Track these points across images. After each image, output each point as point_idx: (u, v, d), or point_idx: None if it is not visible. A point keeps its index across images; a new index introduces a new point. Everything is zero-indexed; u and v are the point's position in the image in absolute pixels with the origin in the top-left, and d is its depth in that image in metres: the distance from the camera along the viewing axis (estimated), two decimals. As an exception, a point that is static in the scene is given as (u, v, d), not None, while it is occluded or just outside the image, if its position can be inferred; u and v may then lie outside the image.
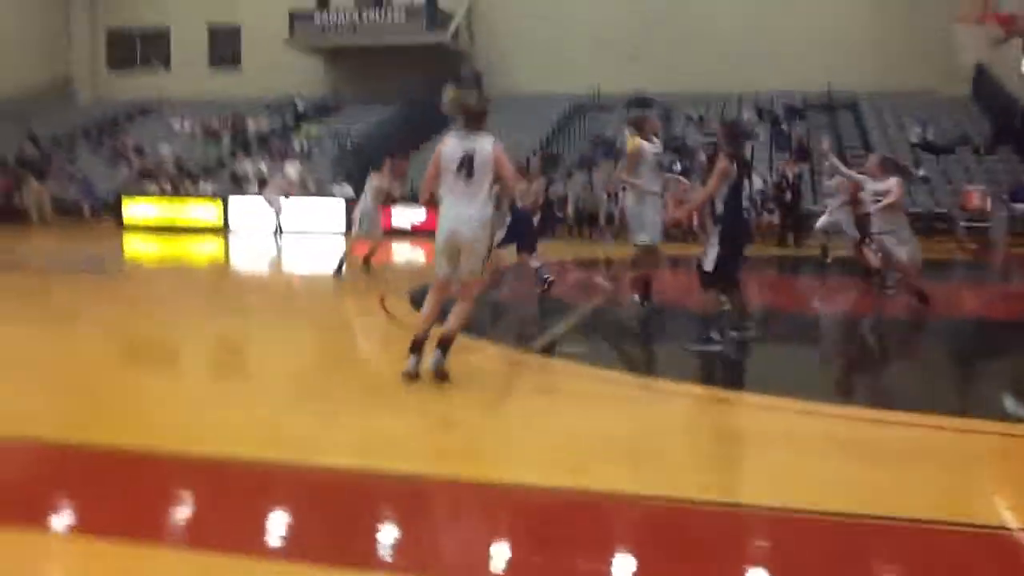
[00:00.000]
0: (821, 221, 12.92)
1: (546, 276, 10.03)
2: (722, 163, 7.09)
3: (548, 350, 7.20)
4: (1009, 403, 5.78)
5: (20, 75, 32.46)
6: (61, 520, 3.61)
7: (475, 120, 5.75)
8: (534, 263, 10.25)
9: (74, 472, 4.21)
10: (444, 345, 5.59)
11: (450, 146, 5.67)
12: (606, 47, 28.78)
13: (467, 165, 5.57)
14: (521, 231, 10.28)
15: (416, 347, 5.62)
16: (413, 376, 5.57)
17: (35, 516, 3.53)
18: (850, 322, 9.91)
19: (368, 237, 12.30)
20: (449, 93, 5.75)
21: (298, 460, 4.23)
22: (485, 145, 5.62)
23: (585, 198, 21.89)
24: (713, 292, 7.19)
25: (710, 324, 7.14)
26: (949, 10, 24.40)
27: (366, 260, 12.23)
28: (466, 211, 5.55)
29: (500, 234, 9.65)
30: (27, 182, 24.72)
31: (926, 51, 26.26)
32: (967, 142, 23.76)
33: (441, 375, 5.53)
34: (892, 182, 9.47)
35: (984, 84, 26.35)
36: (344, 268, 12.09)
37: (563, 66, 29.09)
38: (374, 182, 12.31)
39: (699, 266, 7.19)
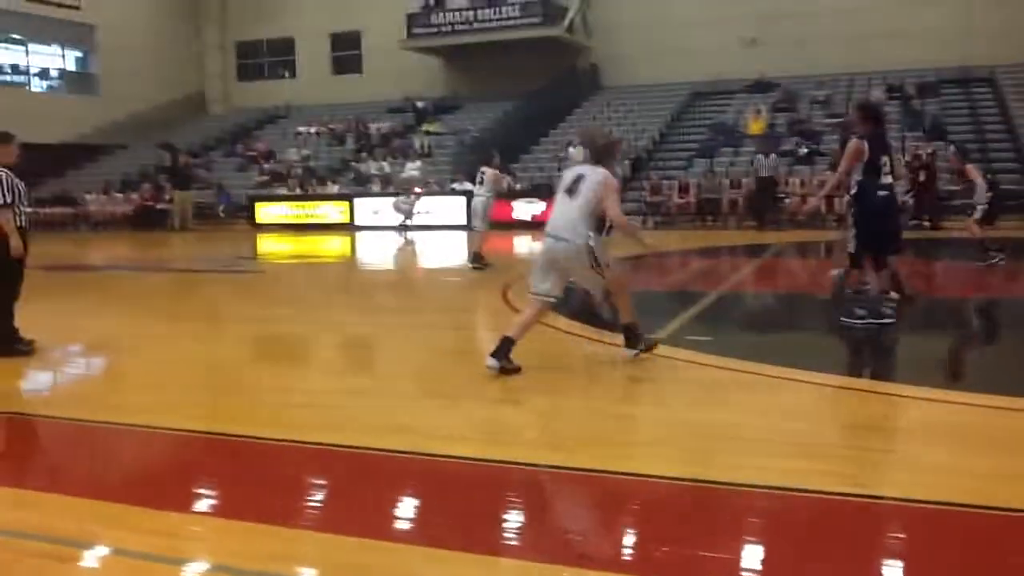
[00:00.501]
0: None
1: None
2: (853, 144, 7.08)
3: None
4: None
5: (157, 90, 34.34)
6: (209, 503, 3.83)
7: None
8: None
9: (219, 460, 4.46)
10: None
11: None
12: (724, 31, 28.19)
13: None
14: None
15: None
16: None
17: (188, 501, 3.76)
18: (992, 307, 9.44)
19: (484, 229, 12.79)
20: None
21: (418, 448, 4.35)
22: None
23: (707, 185, 21.53)
24: (859, 273, 7.40)
25: (857, 303, 7.31)
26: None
27: (478, 253, 12.58)
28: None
29: None
30: (170, 191, 26.09)
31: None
32: (1119, 113, 22.20)
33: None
34: None
35: None
36: (478, 257, 12.55)
37: (681, 53, 28.65)
38: (487, 175, 12.72)
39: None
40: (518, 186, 18.43)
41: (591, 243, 5.84)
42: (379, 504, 3.70)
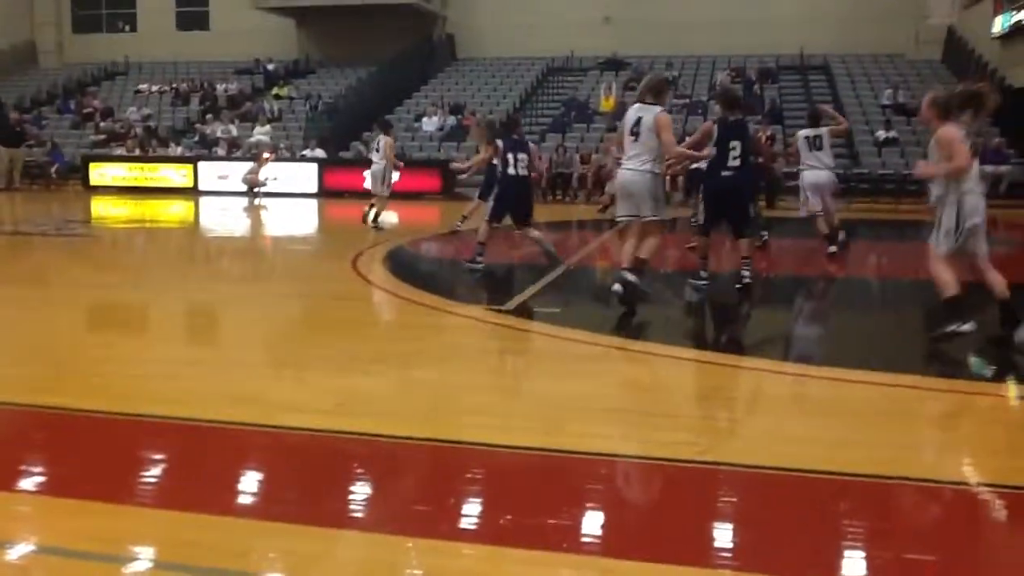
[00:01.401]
0: None
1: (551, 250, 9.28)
2: (705, 124, 7.92)
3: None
4: (975, 362, 5.87)
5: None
6: (32, 481, 3.61)
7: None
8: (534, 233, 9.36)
9: (42, 434, 4.19)
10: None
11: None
12: (580, 9, 28.59)
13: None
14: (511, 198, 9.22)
15: None
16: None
17: (12, 478, 3.52)
18: (812, 283, 9.99)
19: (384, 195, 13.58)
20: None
21: (269, 421, 4.23)
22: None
23: (558, 160, 21.82)
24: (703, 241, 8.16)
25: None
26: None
27: (375, 218, 13.24)
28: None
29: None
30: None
31: (897, 14, 26.39)
32: (938, 104, 23.89)
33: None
34: None
35: (954, 46, 26.48)
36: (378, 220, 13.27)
37: (536, 29, 28.88)
38: (383, 143, 13.53)
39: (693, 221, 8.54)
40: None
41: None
42: (218, 478, 3.57)
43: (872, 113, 23.79)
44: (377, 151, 13.65)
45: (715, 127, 7.69)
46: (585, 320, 6.73)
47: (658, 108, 6.74)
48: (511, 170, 8.97)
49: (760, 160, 12.13)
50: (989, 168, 20.03)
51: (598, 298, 8.14)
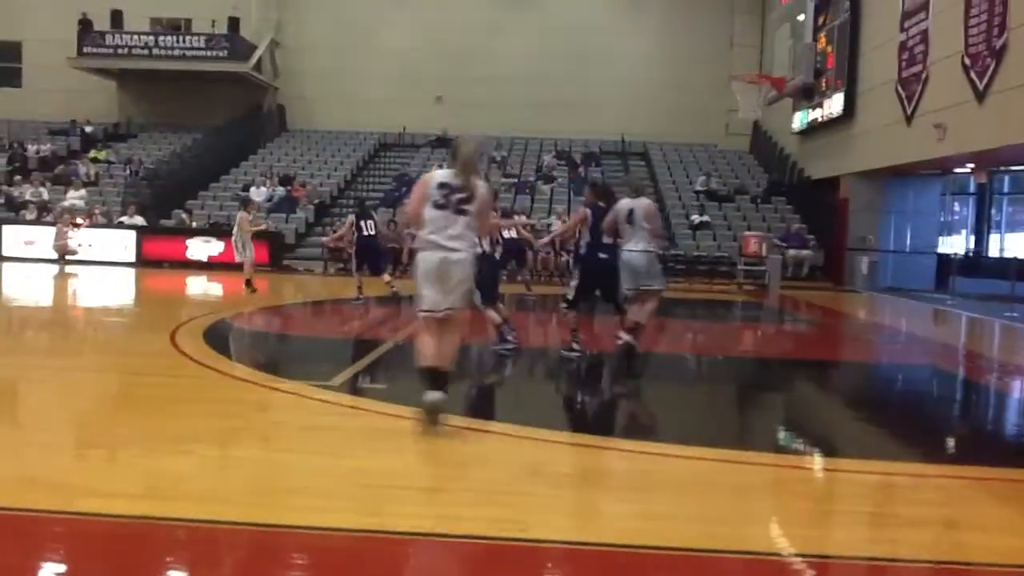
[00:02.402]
0: None
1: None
2: (580, 211, 9.07)
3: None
4: (783, 436, 6.25)
5: None
6: None
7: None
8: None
9: None
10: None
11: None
12: (412, 86, 29.14)
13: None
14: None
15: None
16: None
17: None
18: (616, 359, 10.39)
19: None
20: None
21: (68, 507, 3.96)
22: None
23: (388, 235, 21.82)
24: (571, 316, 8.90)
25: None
26: (731, 70, 26.57)
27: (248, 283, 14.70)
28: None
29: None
30: None
31: (709, 108, 28.40)
32: (745, 192, 25.67)
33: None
34: None
35: (760, 139, 28.69)
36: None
37: (369, 103, 29.19)
38: (242, 216, 15.23)
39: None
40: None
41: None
42: (15, 572, 3.30)
43: (687, 198, 25.26)
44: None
45: (588, 213, 8.71)
46: (412, 396, 6.71)
47: (645, 201, 8.72)
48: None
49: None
50: (791, 252, 21.63)
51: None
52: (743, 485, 4.86)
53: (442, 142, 28.38)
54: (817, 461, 5.64)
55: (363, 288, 13.82)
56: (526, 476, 4.77)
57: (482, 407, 6.78)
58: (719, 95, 27.66)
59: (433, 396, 5.42)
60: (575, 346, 8.72)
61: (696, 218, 23.73)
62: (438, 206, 5.56)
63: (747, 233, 21.89)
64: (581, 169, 26.48)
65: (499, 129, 28.45)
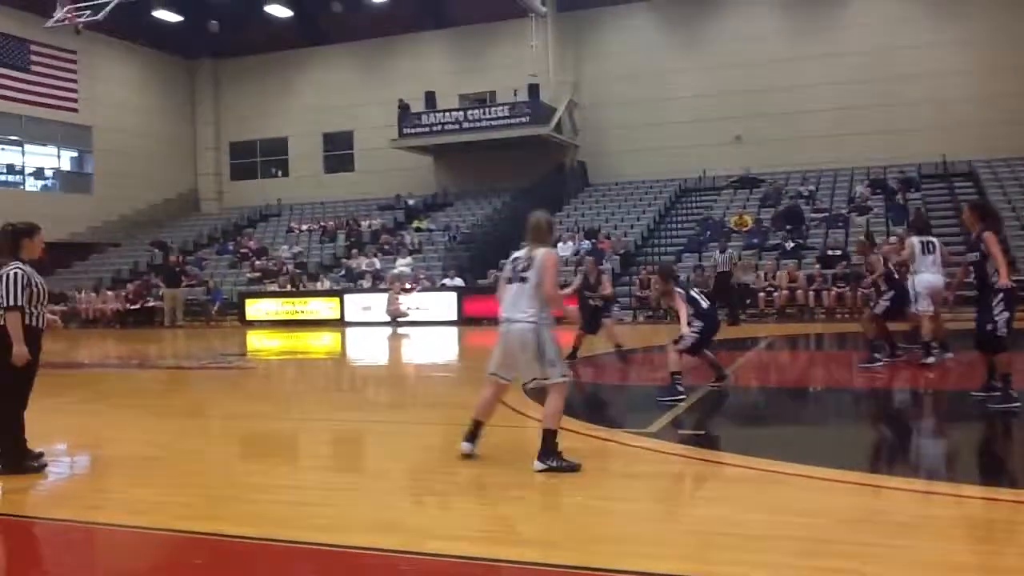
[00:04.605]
0: None
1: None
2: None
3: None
4: None
5: (150, 190, 34.85)
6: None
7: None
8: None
9: (202, 561, 4.32)
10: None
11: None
12: (710, 130, 28.89)
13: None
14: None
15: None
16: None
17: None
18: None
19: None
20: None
21: (416, 548, 4.24)
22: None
23: (695, 279, 21.62)
24: None
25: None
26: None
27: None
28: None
29: None
30: (159, 288, 26.18)
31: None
32: (1097, 205, 22.64)
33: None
34: None
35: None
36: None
37: (667, 151, 29.32)
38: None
39: None
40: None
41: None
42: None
43: (1025, 216, 22.72)
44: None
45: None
46: (730, 442, 6.52)
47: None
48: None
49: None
50: None
51: (750, 419, 7.88)
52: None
53: (744, 182, 27.83)
54: None
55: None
56: (856, 523, 4.44)
57: (805, 452, 6.43)
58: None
59: (463, 447, 6.06)
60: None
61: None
62: (508, 280, 5.85)
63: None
64: (899, 196, 24.70)
65: (803, 163, 27.39)
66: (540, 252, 5.79)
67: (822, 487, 5.23)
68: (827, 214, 24.50)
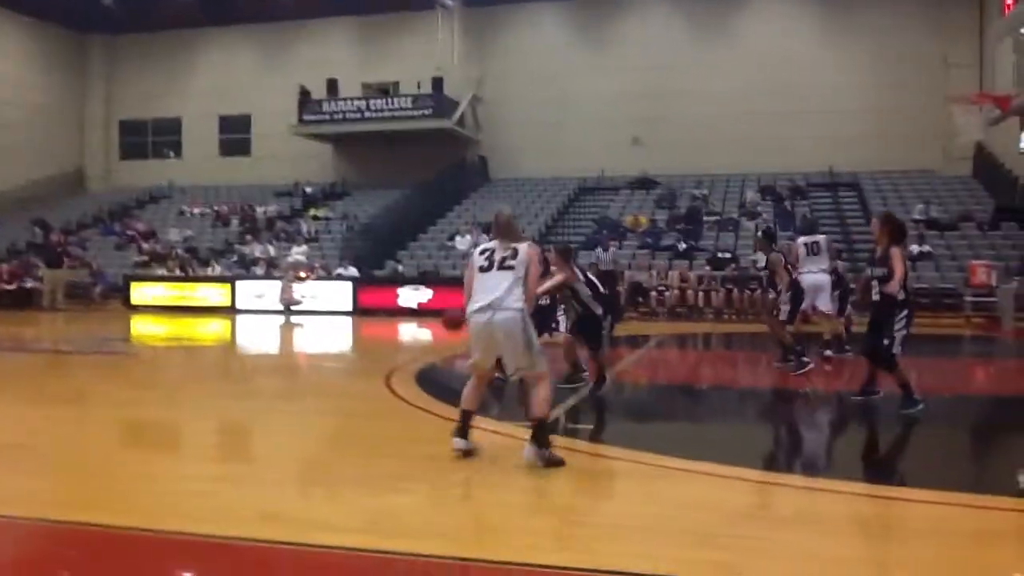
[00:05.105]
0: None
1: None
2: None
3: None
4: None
5: (34, 166, 33.23)
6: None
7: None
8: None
9: (76, 551, 4.15)
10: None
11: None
12: (610, 131, 29.32)
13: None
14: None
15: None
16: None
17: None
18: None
19: None
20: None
21: (301, 539, 4.17)
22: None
23: (593, 272, 21.87)
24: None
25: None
26: (946, 92, 24.95)
27: None
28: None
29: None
30: (39, 268, 25.01)
31: (925, 133, 26.76)
32: (970, 218, 23.90)
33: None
34: None
35: (983, 162, 26.67)
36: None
37: (567, 150, 29.62)
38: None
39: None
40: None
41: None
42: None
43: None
44: None
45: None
46: (622, 438, 6.63)
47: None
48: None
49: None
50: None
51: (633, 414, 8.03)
52: (984, 532, 4.45)
53: (642, 183, 28.35)
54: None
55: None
56: (740, 517, 4.58)
57: (692, 447, 6.59)
58: (934, 119, 25.97)
59: (456, 443, 5.78)
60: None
61: (916, 248, 22.29)
62: (484, 269, 5.72)
63: (974, 262, 20.33)
64: (787, 203, 25.60)
65: (699, 167, 28.07)
66: (524, 246, 5.77)
67: (708, 481, 5.36)
68: (719, 218, 25.19)
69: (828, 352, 11.05)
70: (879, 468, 6.32)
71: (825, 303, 11.05)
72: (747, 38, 29.12)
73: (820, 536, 4.35)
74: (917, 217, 24.16)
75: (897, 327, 7.50)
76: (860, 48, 28.08)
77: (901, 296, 7.51)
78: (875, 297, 7.72)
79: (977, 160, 27.03)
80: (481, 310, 5.65)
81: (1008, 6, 24.00)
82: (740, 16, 29.44)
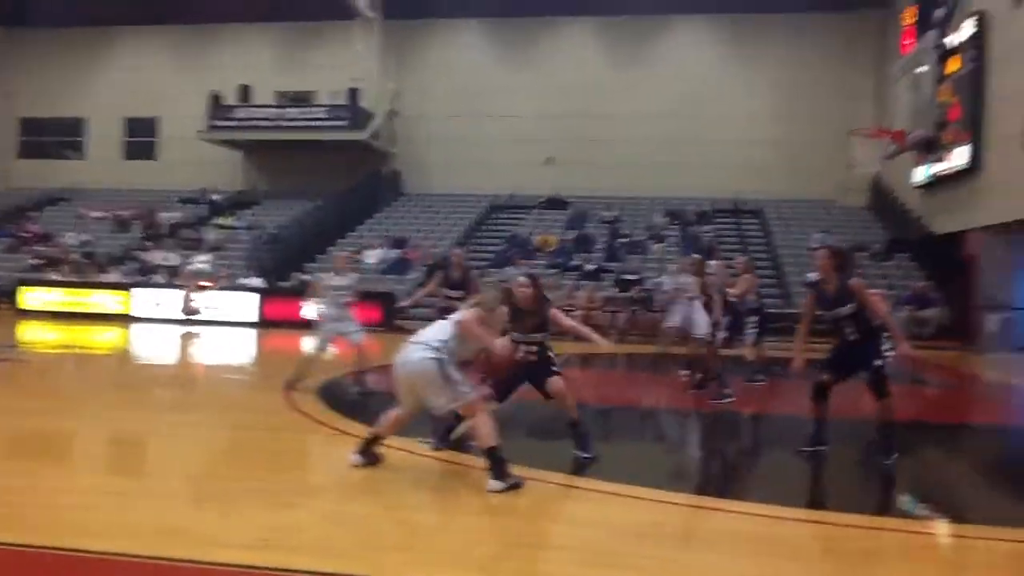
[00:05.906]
0: None
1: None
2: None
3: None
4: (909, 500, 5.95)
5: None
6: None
7: None
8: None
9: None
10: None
11: None
12: (525, 150, 29.59)
13: None
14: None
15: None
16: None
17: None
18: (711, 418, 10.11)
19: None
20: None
21: (195, 556, 4.08)
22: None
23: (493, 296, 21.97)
24: None
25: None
26: (848, 126, 26.02)
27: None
28: None
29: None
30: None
31: (826, 164, 27.83)
32: (864, 248, 24.88)
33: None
34: None
35: (879, 194, 27.86)
36: None
37: (482, 167, 29.76)
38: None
39: None
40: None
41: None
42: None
43: (802, 255, 24.63)
44: None
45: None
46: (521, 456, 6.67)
47: None
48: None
49: None
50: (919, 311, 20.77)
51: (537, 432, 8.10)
52: (869, 551, 4.64)
53: (552, 203, 28.67)
54: (945, 527, 5.33)
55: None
56: (637, 536, 4.67)
57: (595, 466, 6.69)
58: (835, 151, 27.05)
59: (354, 459, 5.91)
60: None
61: (812, 276, 23.04)
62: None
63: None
64: (692, 228, 26.24)
65: (610, 189, 28.53)
66: (464, 313, 6.13)
67: (608, 500, 5.45)
68: (627, 240, 25.64)
69: (687, 372, 11.38)
70: (784, 490, 6.50)
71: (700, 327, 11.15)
72: (663, 64, 29.80)
73: (715, 554, 4.46)
74: (815, 246, 24.97)
75: (886, 347, 7.38)
76: (765, 79, 29.08)
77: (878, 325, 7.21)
78: (850, 338, 7.26)
79: (873, 192, 28.24)
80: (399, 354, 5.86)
81: (905, 47, 25.18)
82: (658, 42, 30.13)
